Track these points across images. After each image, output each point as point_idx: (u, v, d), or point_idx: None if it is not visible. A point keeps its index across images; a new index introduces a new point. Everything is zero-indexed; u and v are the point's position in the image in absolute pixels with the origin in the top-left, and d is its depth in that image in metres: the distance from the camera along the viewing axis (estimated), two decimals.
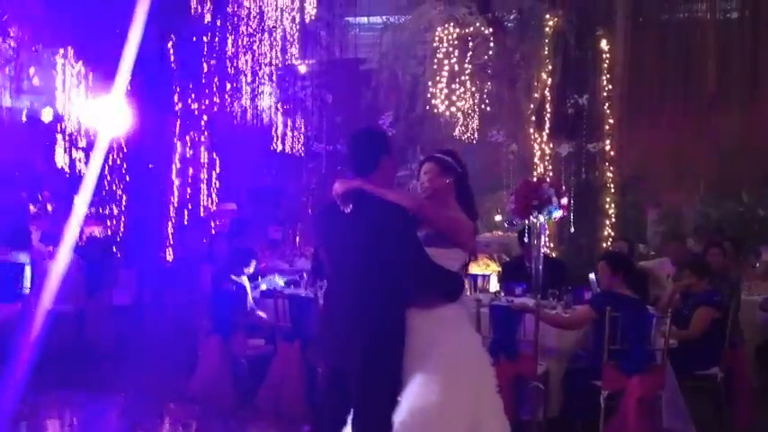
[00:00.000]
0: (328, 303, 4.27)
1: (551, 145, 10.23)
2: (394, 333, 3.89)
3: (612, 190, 10.00)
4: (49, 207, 13.99)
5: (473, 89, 12.32)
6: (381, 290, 3.88)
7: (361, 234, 3.92)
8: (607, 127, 10.18)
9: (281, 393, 6.65)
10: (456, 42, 12.30)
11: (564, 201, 8.03)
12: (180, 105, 12.00)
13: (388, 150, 4.08)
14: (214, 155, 12.68)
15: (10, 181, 14.65)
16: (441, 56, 12.55)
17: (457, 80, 12.44)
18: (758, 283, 8.44)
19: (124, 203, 11.60)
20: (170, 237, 11.42)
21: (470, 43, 12.11)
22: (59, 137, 13.51)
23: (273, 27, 14.20)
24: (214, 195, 12.66)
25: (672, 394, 6.06)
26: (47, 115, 13.97)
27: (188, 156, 12.08)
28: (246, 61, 13.79)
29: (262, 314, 7.37)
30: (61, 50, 13.36)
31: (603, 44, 10.17)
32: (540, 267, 7.71)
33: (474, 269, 9.92)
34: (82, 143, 13.13)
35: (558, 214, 7.58)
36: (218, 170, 12.72)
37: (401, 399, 3.88)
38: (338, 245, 4.09)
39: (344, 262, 4.03)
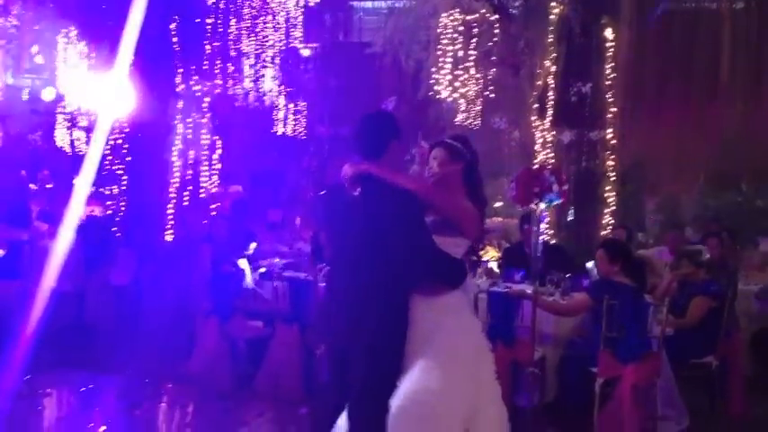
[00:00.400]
0: (330, 287, 4.23)
1: (553, 132, 10.21)
2: (397, 319, 3.89)
3: (613, 178, 9.98)
4: (47, 186, 14.01)
5: (477, 75, 12.31)
6: (387, 275, 3.86)
7: (368, 218, 3.89)
8: (609, 115, 10.14)
9: (280, 376, 6.68)
10: (460, 28, 12.27)
11: (565, 187, 8.04)
12: (182, 87, 11.99)
13: (397, 135, 4.06)
14: (215, 137, 12.68)
15: (10, 159, 14.67)
16: (445, 41, 12.53)
17: (460, 66, 12.42)
18: (755, 273, 8.46)
19: (124, 183, 11.60)
20: (170, 217, 11.43)
21: (475, 29, 12.08)
22: (60, 116, 13.53)
23: (277, 10, 14.18)
24: (215, 177, 12.67)
25: (667, 382, 6.09)
26: (48, 94, 13.97)
27: (189, 137, 12.06)
28: (250, 44, 13.77)
29: (263, 294, 7.37)
30: (64, 30, 13.35)
31: (608, 33, 10.13)
32: (540, 254, 7.73)
33: (473, 255, 9.96)
34: (83, 123, 13.15)
35: (557, 202, 7.59)
36: (219, 152, 12.72)
37: (400, 383, 3.88)
38: (342, 228, 4.07)
39: (349, 246, 4.00)
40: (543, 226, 9.25)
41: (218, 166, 12.59)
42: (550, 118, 10.22)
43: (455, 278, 4.05)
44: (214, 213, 10.78)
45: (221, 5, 12.64)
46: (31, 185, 14.27)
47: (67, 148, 13.21)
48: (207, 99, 12.37)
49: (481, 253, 10.32)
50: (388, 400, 3.83)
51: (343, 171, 3.99)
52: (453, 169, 4.16)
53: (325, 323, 4.20)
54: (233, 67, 13.48)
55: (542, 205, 7.71)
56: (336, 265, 4.19)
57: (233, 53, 13.18)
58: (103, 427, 5.84)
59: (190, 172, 12.06)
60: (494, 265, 9.00)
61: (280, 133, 15.57)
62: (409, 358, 3.90)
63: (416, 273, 3.92)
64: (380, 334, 3.85)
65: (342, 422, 4.01)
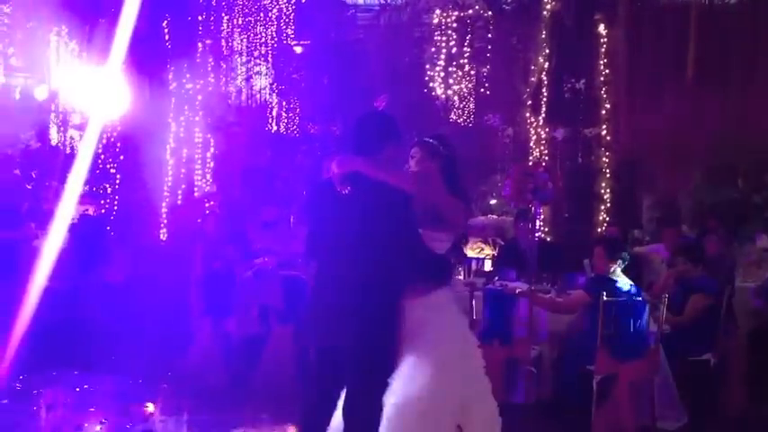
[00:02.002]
0: (318, 285, 4.17)
1: (547, 129, 10.19)
2: (388, 317, 3.88)
3: (608, 175, 9.97)
4: (29, 186, 13.91)
5: (471, 72, 12.29)
6: (375, 274, 3.85)
7: (358, 216, 3.87)
8: (603, 112, 10.13)
9: (275, 375, 6.64)
10: (454, 25, 12.25)
11: (558, 183, 8.05)
12: (174, 85, 11.94)
13: (395, 137, 4.04)
14: (208, 135, 12.64)
15: (3, 159, 14.56)
16: (438, 38, 12.50)
17: (454, 63, 12.40)
18: (752, 270, 8.44)
19: (118, 182, 11.56)
20: (164, 216, 11.39)
21: (469, 26, 12.07)
22: (53, 115, 13.47)
23: (269, 7, 14.14)
24: (208, 176, 12.63)
25: (664, 380, 6.07)
26: (41, 93, 13.88)
27: (182, 135, 12.02)
28: (242, 41, 13.73)
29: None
30: (55, 28, 13.28)
31: (601, 28, 10.12)
32: (535, 252, 7.73)
33: (468, 253, 9.94)
34: (75, 121, 13.09)
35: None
36: (212, 150, 12.68)
37: (392, 381, 3.92)
38: (332, 226, 4.03)
39: (338, 243, 3.96)
40: (538, 223, 9.26)
41: (212, 164, 12.56)
42: (544, 115, 10.20)
43: (442, 276, 4.11)
44: (207, 212, 10.72)
45: (213, 3, 12.61)
46: (27, 186, 14.20)
47: (60, 147, 13.14)
48: (199, 97, 12.33)
49: (473, 250, 10.32)
50: (381, 397, 3.86)
51: (332, 167, 3.95)
52: (430, 167, 4.17)
53: (313, 321, 4.15)
54: (225, 65, 13.45)
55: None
56: (324, 263, 4.13)
57: (225, 51, 13.15)
58: (98, 427, 5.79)
59: (183, 170, 12.03)
60: (488, 264, 9.00)
61: (273, 131, 15.53)
62: (399, 356, 3.95)
63: (404, 271, 3.92)
64: (371, 333, 3.83)
65: (336, 422, 4.01)
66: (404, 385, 3.91)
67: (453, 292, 4.29)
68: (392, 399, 3.90)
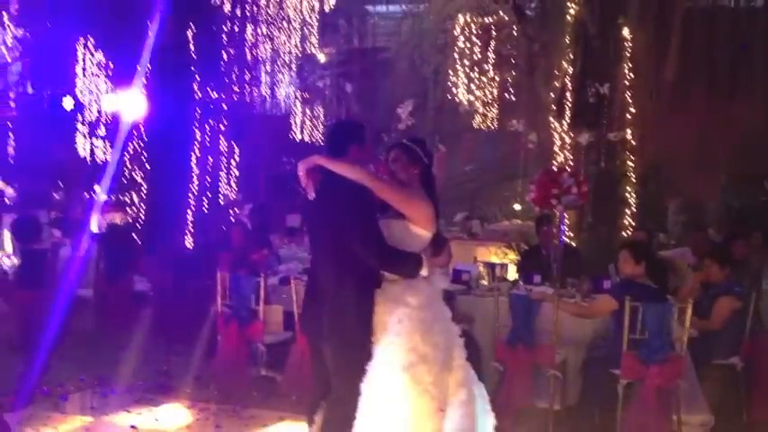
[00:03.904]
0: (308, 278, 4.65)
1: (571, 134, 10.15)
2: (362, 306, 4.12)
3: (633, 179, 9.91)
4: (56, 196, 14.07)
5: (494, 78, 12.28)
6: (346, 265, 4.12)
7: (327, 213, 4.20)
8: (628, 116, 10.07)
9: (300, 379, 6.65)
10: (477, 31, 12.26)
11: (584, 189, 8.01)
12: (200, 94, 12.03)
13: (359, 140, 4.33)
14: (233, 143, 12.72)
15: (31, 169, 14.74)
16: (461, 44, 12.51)
17: (476, 69, 12.40)
18: None
19: (144, 191, 11.66)
20: (190, 224, 11.48)
21: (492, 32, 12.07)
22: (79, 125, 13.62)
23: (293, 16, 14.22)
24: (233, 183, 12.71)
25: (690, 384, 6.03)
26: (68, 104, 14.05)
27: (207, 144, 12.10)
28: (266, 50, 13.81)
29: None
30: (82, 39, 13.44)
31: (625, 32, 10.07)
32: (559, 256, 7.70)
33: (492, 258, 9.93)
34: (102, 131, 13.22)
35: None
36: (237, 158, 12.76)
37: (369, 368, 4.07)
38: (313, 225, 4.44)
39: (316, 241, 4.39)
40: (563, 228, 9.22)
41: (237, 172, 12.64)
42: (568, 120, 10.16)
43: (405, 269, 4.20)
44: (233, 219, 10.81)
45: (237, 13, 12.69)
46: (55, 195, 14.38)
47: (87, 157, 13.29)
48: (224, 105, 12.42)
49: (497, 255, 10.30)
50: (358, 383, 4.05)
51: (298, 170, 4.25)
52: (412, 173, 4.33)
53: (304, 317, 4.57)
54: (250, 74, 13.53)
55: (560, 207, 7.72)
56: (312, 261, 4.56)
57: (250, 60, 13.23)
58: (125, 430, 5.86)
59: (209, 178, 12.12)
60: (512, 269, 8.97)
61: (297, 139, 15.61)
62: (376, 342, 4.12)
63: (370, 262, 4.13)
64: (346, 322, 4.10)
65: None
66: (383, 374, 4.04)
67: (435, 288, 4.35)
68: (372, 386, 4.05)
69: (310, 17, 14.57)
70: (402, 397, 4.00)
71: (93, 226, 11.13)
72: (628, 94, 10.05)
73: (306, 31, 14.49)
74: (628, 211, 9.65)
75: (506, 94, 12.28)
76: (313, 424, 4.37)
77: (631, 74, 10.11)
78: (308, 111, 15.90)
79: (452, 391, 4.12)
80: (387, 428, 3.99)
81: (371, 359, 4.09)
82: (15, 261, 8.49)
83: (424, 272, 4.20)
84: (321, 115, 15.93)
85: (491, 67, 12.50)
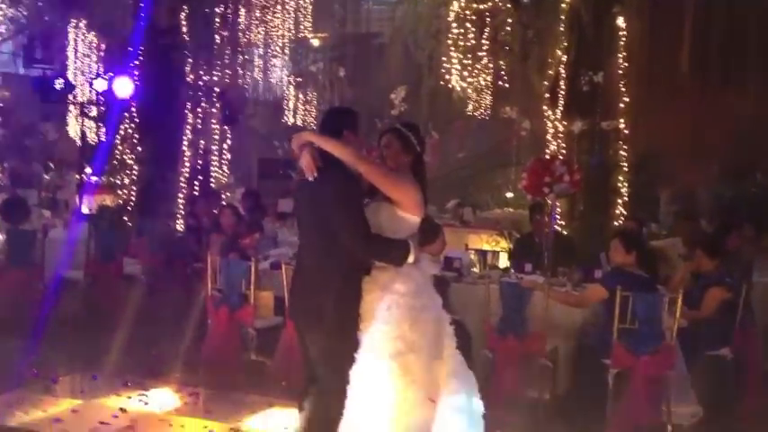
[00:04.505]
0: (295, 264, 4.69)
1: (564, 123, 10.13)
2: (349, 296, 4.12)
3: (626, 168, 9.91)
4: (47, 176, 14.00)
5: (488, 65, 12.24)
6: (333, 252, 4.13)
7: (315, 200, 4.21)
8: (622, 105, 10.06)
9: (290, 364, 6.64)
10: (471, 17, 12.21)
11: (576, 178, 8.00)
12: (192, 77, 11.97)
13: (353, 126, 4.33)
14: (225, 127, 12.68)
15: (21, 149, 14.67)
16: (455, 31, 12.46)
17: (470, 56, 12.35)
18: None
19: (135, 173, 11.62)
20: (181, 207, 11.45)
21: (486, 19, 12.02)
22: (71, 106, 13.55)
23: (286, 0, 14.15)
24: (225, 167, 12.67)
25: (680, 374, 6.05)
26: (59, 84, 13.91)
27: (199, 127, 12.06)
28: (259, 34, 13.75)
29: None
30: (74, 21, 13.35)
31: (620, 21, 10.04)
32: (551, 245, 7.70)
33: (483, 245, 9.93)
34: (93, 113, 13.16)
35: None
36: (229, 142, 12.72)
37: (357, 356, 4.06)
38: (301, 211, 4.45)
39: (304, 227, 4.41)
40: (554, 216, 9.22)
41: (228, 155, 12.60)
42: (562, 108, 10.14)
43: (395, 257, 4.18)
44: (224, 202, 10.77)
45: None
46: (45, 176, 14.31)
47: (78, 138, 13.23)
48: (217, 89, 12.37)
49: (489, 243, 10.30)
50: (346, 372, 4.03)
51: (292, 147, 4.30)
52: (404, 161, 4.30)
53: (291, 303, 4.66)
54: (243, 58, 13.47)
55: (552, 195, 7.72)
56: (299, 246, 4.52)
57: (243, 43, 13.17)
58: (115, 415, 5.83)
59: (200, 161, 12.08)
60: (503, 257, 8.97)
61: (290, 123, 15.55)
62: (364, 330, 4.10)
63: (357, 253, 4.14)
64: (333, 309, 4.09)
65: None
66: (371, 361, 4.03)
67: (424, 274, 4.33)
68: (360, 374, 4.03)
69: (304, 1, 14.50)
70: (390, 386, 3.98)
71: (84, 207, 11.08)
72: (621, 84, 10.03)
73: (299, 15, 14.42)
74: (619, 201, 9.64)
75: (500, 82, 12.23)
76: (303, 410, 4.36)
77: (625, 63, 10.10)
78: (300, 95, 15.83)
79: (443, 380, 4.11)
80: (375, 418, 3.98)
81: (359, 347, 4.07)
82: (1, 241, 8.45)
83: (410, 259, 4.18)
84: (314, 100, 15.87)
85: (485, 54, 12.44)
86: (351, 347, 4.07)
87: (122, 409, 5.94)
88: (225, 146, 12.70)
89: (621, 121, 9.90)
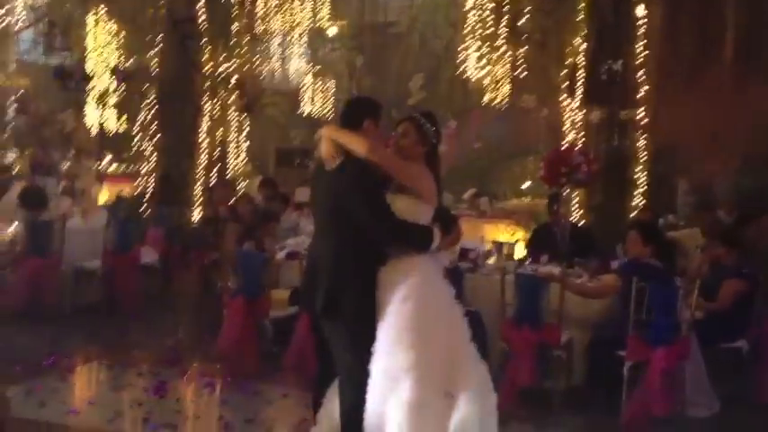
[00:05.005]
0: (309, 253, 4.69)
1: (583, 112, 10.07)
2: (364, 286, 4.13)
3: (644, 159, 9.85)
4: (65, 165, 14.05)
5: (506, 54, 12.15)
6: (349, 242, 4.15)
7: (330, 187, 4.22)
8: (640, 94, 9.99)
9: (306, 354, 6.66)
10: (489, 5, 12.12)
11: (594, 168, 7.96)
12: (210, 66, 11.98)
13: (374, 115, 4.33)
14: (243, 116, 12.69)
15: (40, 137, 14.73)
16: (472, 19, 12.38)
17: (488, 45, 12.27)
18: None
19: (153, 162, 11.65)
20: (198, 196, 11.48)
21: (505, 7, 11.93)
22: (90, 95, 13.58)
23: None
24: (242, 156, 12.69)
25: (696, 367, 6.01)
26: (78, 73, 13.94)
27: (216, 116, 12.07)
28: (276, 22, 13.71)
29: None
30: (93, 8, 13.37)
31: (640, 10, 9.96)
32: (567, 236, 7.66)
33: (500, 236, 9.90)
34: (112, 102, 13.20)
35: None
36: (246, 131, 12.73)
37: (374, 349, 4.06)
38: (319, 199, 4.40)
39: (321, 215, 4.38)
40: (572, 207, 9.19)
41: (246, 144, 12.60)
42: (580, 97, 10.09)
43: (418, 243, 4.20)
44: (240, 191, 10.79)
45: None
46: (62, 164, 14.37)
47: (97, 127, 13.28)
48: (234, 77, 12.37)
49: (505, 234, 10.27)
50: (366, 361, 4.06)
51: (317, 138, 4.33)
52: (419, 151, 4.31)
53: (305, 294, 4.56)
54: (261, 46, 13.45)
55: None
56: (315, 236, 4.51)
57: (261, 32, 13.14)
58: (131, 404, 5.86)
59: (217, 150, 12.10)
60: (520, 247, 8.93)
61: (307, 112, 15.53)
62: (379, 321, 4.10)
63: (379, 237, 4.17)
64: (350, 301, 4.11)
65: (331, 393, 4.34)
66: (387, 354, 4.03)
67: (438, 263, 4.38)
68: (378, 367, 4.04)
69: None
70: (407, 378, 3.98)
71: (102, 197, 11.14)
72: (641, 73, 9.96)
73: (317, 3, 14.37)
74: (637, 192, 9.59)
75: (518, 70, 12.16)
76: (320, 407, 4.35)
77: (645, 51, 10.03)
78: (318, 84, 15.81)
79: (458, 372, 4.09)
80: (391, 410, 3.98)
81: (375, 339, 4.07)
82: (20, 230, 8.48)
83: (434, 245, 4.20)
84: (332, 89, 15.84)
85: (503, 43, 12.36)
86: (370, 336, 4.08)
87: (138, 402, 5.96)
88: (242, 135, 12.71)
89: (641, 110, 9.84)
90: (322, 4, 13.90)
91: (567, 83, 10.34)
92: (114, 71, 11.95)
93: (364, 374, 4.06)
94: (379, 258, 4.19)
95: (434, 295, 4.19)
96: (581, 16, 10.25)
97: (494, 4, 12.04)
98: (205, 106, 11.88)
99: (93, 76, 12.89)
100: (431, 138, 4.34)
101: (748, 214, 8.38)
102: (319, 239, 4.39)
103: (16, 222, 8.59)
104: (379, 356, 4.05)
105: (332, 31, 15.51)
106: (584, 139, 9.89)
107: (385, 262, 4.19)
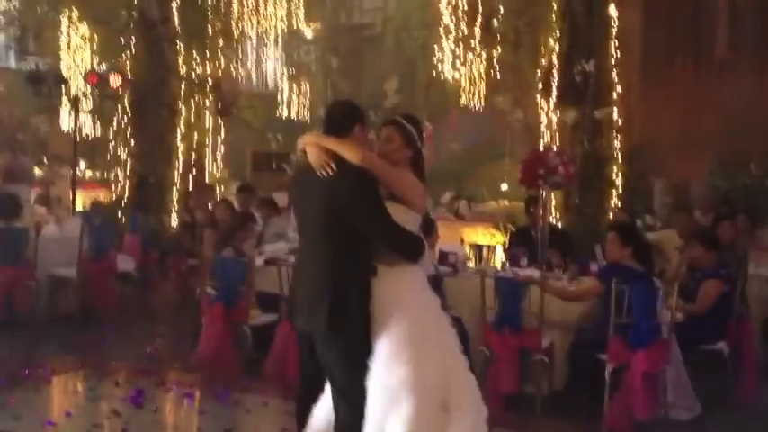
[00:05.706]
0: (296, 265, 4.49)
1: (558, 112, 10.09)
2: (361, 299, 3.98)
3: (620, 159, 9.87)
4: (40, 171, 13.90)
5: (481, 54, 12.17)
6: (346, 254, 3.99)
7: (324, 194, 4.03)
8: (615, 95, 10.02)
9: (286, 362, 6.61)
10: (463, 7, 12.13)
11: (570, 170, 7.96)
12: (185, 69, 11.91)
13: (362, 120, 4.20)
14: (219, 119, 12.62)
15: (13, 144, 14.56)
16: (447, 20, 12.39)
17: (462, 45, 12.28)
18: (765, 256, 8.31)
19: (129, 168, 11.55)
20: (175, 202, 11.40)
21: (478, 7, 11.95)
22: (64, 99, 13.45)
23: None
24: (219, 161, 12.62)
25: (677, 369, 6.02)
26: (53, 77, 13.82)
27: (193, 121, 11.99)
28: (252, 24, 13.67)
29: None
30: (66, 11, 13.25)
31: (612, 9, 9.99)
32: (546, 238, 7.66)
33: (479, 239, 9.90)
34: (86, 106, 13.08)
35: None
36: (222, 135, 12.67)
37: (371, 362, 3.96)
38: (307, 207, 4.19)
39: (312, 225, 4.15)
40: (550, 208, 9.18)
41: (222, 149, 12.54)
42: (555, 98, 10.10)
43: (413, 252, 4.11)
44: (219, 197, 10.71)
45: None
46: (37, 169, 14.22)
47: (71, 133, 13.16)
48: (210, 81, 12.30)
49: (484, 236, 10.27)
50: (363, 381, 3.94)
51: (299, 148, 4.18)
52: (405, 156, 4.20)
53: (291, 302, 4.40)
54: (236, 49, 13.39)
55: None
56: (301, 243, 4.36)
57: (236, 34, 13.09)
58: (108, 415, 5.79)
59: (193, 155, 12.02)
60: (499, 250, 8.94)
61: (284, 116, 15.48)
62: (372, 334, 4.00)
63: (372, 246, 4.04)
64: (343, 314, 3.95)
65: (317, 410, 4.17)
66: (385, 367, 3.94)
67: (424, 272, 4.32)
68: (376, 382, 3.94)
69: None
70: (406, 392, 3.91)
71: (77, 204, 11.03)
72: (614, 73, 9.99)
73: (292, 5, 14.32)
74: (614, 193, 9.62)
75: (493, 72, 12.17)
76: (305, 424, 4.27)
77: (618, 51, 10.06)
78: (294, 87, 15.76)
79: (452, 383, 4.04)
80: (391, 427, 3.92)
81: (371, 352, 3.97)
82: None
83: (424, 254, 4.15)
84: (307, 91, 15.80)
85: (477, 44, 12.37)
86: (366, 351, 3.97)
87: (116, 412, 5.88)
88: (218, 139, 12.65)
89: (615, 110, 9.87)
90: (297, 8, 13.87)
91: (542, 83, 10.35)
92: (87, 75, 11.80)
93: (359, 390, 3.95)
94: (372, 268, 4.05)
95: (426, 307, 4.13)
96: (554, 16, 10.27)
97: (467, 6, 12.06)
98: (181, 110, 11.80)
99: (67, 81, 12.77)
100: (416, 141, 4.23)
101: (724, 215, 8.41)
102: (309, 251, 4.17)
103: None
104: (378, 371, 3.95)
105: (308, 33, 15.47)
106: (559, 140, 9.91)
107: (376, 273, 4.06)
